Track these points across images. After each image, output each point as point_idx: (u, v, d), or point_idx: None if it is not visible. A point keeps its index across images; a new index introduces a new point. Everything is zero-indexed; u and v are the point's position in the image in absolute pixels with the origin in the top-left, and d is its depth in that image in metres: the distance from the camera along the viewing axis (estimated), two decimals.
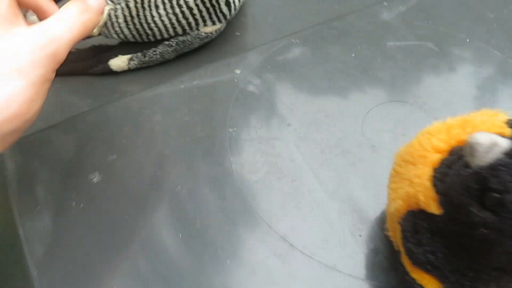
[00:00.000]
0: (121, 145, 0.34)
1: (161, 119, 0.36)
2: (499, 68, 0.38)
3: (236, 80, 0.38)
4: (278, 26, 0.44)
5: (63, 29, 0.23)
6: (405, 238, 0.23)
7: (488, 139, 0.18)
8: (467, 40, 0.40)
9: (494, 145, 0.18)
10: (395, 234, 0.25)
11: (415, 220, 0.22)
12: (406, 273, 0.24)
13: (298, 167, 0.32)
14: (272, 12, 0.45)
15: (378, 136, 0.34)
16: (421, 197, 0.22)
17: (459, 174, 0.19)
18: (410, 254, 0.23)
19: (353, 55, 0.39)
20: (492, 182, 0.17)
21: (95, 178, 0.32)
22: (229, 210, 0.30)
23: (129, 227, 0.30)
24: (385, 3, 0.43)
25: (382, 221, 0.29)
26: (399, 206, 0.23)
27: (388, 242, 0.28)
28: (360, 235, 0.29)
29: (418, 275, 0.23)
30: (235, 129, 0.35)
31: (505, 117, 0.23)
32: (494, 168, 0.18)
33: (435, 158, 0.22)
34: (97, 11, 0.25)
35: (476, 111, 0.25)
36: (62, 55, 0.23)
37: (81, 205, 0.31)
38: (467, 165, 0.19)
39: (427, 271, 0.22)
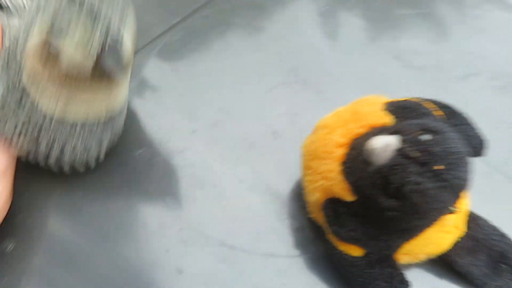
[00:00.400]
0: (24, 200, 0.32)
1: None
2: (363, 32, 0.44)
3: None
4: (148, 23, 0.43)
5: None
6: (329, 222, 0.27)
7: (381, 143, 0.22)
8: (324, 9, 0.44)
9: (387, 146, 0.22)
10: (318, 217, 0.29)
11: (334, 207, 0.26)
12: (334, 248, 0.28)
13: (216, 172, 0.34)
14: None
15: (276, 121, 0.37)
16: (336, 189, 0.26)
17: (364, 170, 0.24)
18: (336, 234, 0.27)
19: (231, 43, 0.41)
20: (392, 179, 0.22)
21: (9, 246, 0.30)
22: (165, 233, 0.31)
23: None
24: None
25: (302, 205, 0.33)
26: (318, 196, 0.27)
27: (309, 218, 0.33)
28: (285, 218, 0.33)
29: (345, 247, 0.28)
30: (142, 151, 0.34)
31: (383, 101, 0.28)
32: (391, 167, 0.22)
33: (340, 153, 0.26)
34: None
35: (359, 98, 0.29)
36: None
37: (5, 279, 0.29)
38: (368, 162, 0.23)
39: (352, 243, 0.27)
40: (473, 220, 0.30)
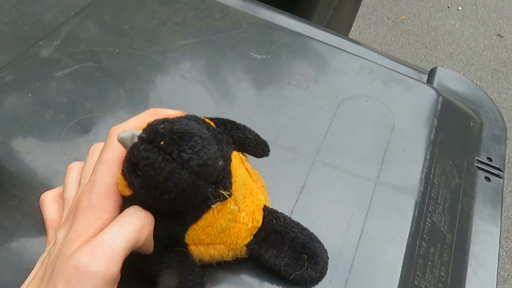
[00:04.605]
0: None
1: None
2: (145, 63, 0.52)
3: None
4: None
5: None
6: None
7: (128, 133, 0.27)
8: (116, 54, 0.51)
9: (133, 136, 0.27)
10: None
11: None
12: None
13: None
14: None
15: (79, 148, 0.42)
16: (120, 188, 0.29)
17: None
18: None
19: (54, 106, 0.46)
20: (131, 158, 0.27)
21: None
22: None
23: None
24: (40, 42, 0.50)
25: None
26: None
27: None
28: None
29: None
30: None
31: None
32: (130, 149, 0.27)
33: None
34: None
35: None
36: None
37: None
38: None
39: None
40: (271, 214, 0.34)
